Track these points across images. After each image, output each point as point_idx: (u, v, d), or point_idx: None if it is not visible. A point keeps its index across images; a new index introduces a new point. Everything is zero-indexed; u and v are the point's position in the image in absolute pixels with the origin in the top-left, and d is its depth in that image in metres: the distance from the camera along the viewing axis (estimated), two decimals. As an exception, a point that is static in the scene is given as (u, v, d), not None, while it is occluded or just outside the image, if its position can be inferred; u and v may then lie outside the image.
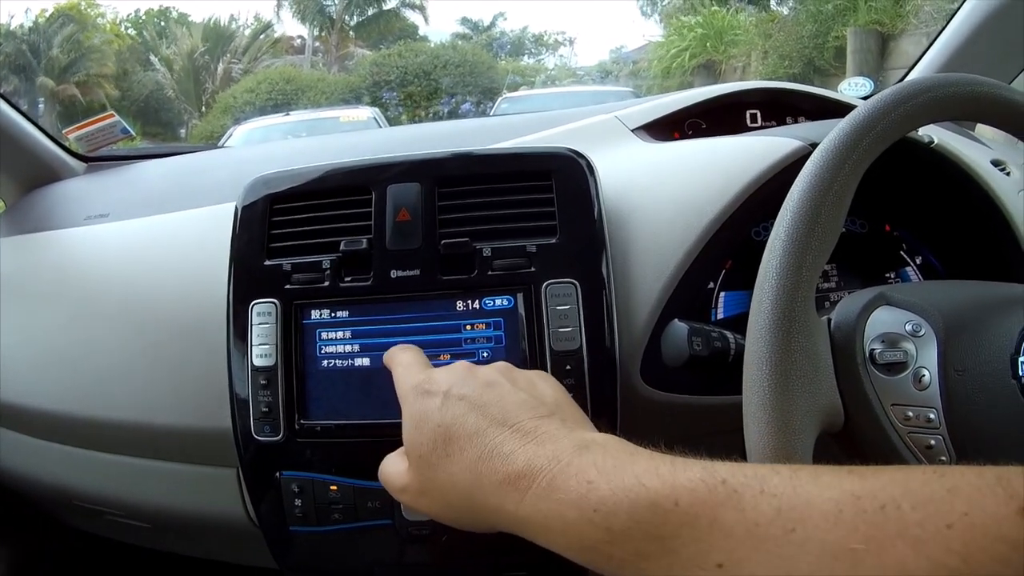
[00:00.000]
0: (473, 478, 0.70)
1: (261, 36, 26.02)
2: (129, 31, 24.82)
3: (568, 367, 0.95)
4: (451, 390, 0.77)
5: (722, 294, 1.08)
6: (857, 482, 0.51)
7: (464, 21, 29.13)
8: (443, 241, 1.00)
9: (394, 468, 0.81)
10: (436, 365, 0.95)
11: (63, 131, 1.65)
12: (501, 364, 0.83)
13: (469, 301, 0.98)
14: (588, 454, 0.65)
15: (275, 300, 1.00)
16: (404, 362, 0.86)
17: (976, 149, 1.28)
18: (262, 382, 0.98)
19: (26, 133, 1.52)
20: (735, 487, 0.55)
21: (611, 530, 0.59)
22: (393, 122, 15.42)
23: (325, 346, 0.99)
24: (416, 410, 0.78)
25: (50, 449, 1.22)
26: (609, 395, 0.96)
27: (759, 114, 1.41)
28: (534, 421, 0.72)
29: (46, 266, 1.29)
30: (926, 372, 0.74)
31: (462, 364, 0.82)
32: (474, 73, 19.67)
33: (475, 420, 0.73)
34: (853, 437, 0.74)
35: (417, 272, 0.99)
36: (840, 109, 1.35)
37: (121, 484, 1.20)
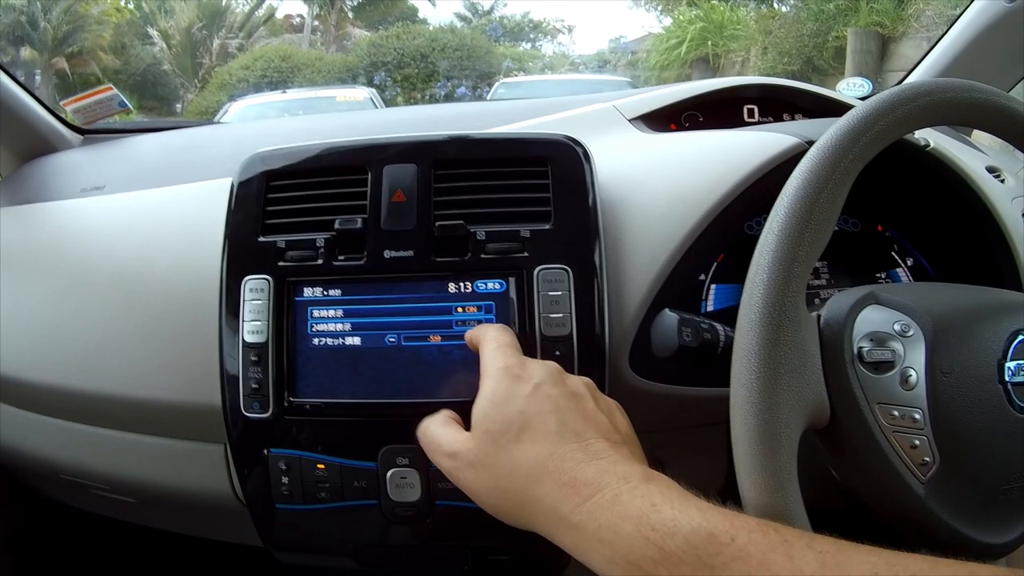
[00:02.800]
0: (537, 471, 0.72)
1: (259, 12, 25.92)
2: (129, 4, 24.70)
3: (557, 353, 0.95)
4: (541, 384, 0.79)
5: (713, 286, 1.09)
6: (892, 556, 0.57)
7: (466, 4, 29.06)
8: (437, 223, 1.00)
9: (447, 432, 0.84)
10: (426, 347, 0.96)
11: (60, 103, 1.64)
12: (588, 380, 0.85)
13: (461, 284, 0.99)
14: (655, 483, 0.68)
15: (268, 277, 1.00)
16: (498, 340, 0.87)
17: (972, 155, 1.29)
18: (253, 358, 0.98)
19: (23, 104, 1.51)
20: (787, 537, 0.60)
21: (663, 549, 0.62)
22: (389, 103, 15.40)
23: (316, 324, 0.99)
24: (502, 389, 0.80)
25: (37, 421, 1.22)
26: (597, 382, 0.95)
27: (756, 109, 1.41)
28: (608, 443, 0.75)
29: (40, 238, 1.29)
30: (913, 372, 0.75)
31: (553, 365, 0.84)
32: (472, 57, 19.59)
33: (556, 421, 0.76)
34: (838, 434, 0.74)
35: (411, 253, 0.99)
36: (838, 108, 1.35)
37: (108, 458, 1.19)
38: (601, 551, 0.66)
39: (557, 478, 0.71)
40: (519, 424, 0.76)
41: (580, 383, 0.83)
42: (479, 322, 0.97)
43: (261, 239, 1.02)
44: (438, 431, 0.85)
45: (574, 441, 0.74)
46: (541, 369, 0.82)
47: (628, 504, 0.66)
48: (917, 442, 0.73)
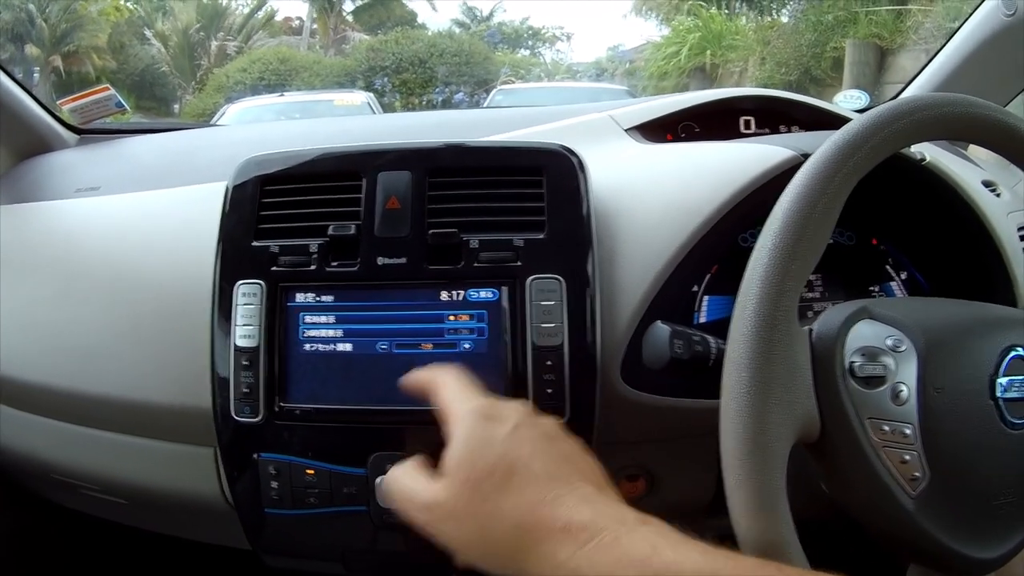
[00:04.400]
0: (528, 519, 0.69)
1: (258, 15, 25.94)
2: (128, 3, 24.68)
3: (549, 363, 0.95)
4: (519, 425, 0.75)
5: (706, 298, 1.09)
6: None
7: (464, 10, 29.07)
8: (431, 231, 1.00)
9: (420, 483, 0.77)
10: (418, 354, 0.95)
11: (57, 102, 1.64)
12: (556, 420, 0.82)
13: (454, 292, 0.99)
14: (652, 525, 0.66)
15: (261, 281, 1.00)
16: (456, 382, 0.82)
17: (968, 169, 1.29)
18: (244, 363, 0.98)
19: (20, 102, 1.51)
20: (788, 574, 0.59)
21: None
22: (387, 108, 15.38)
23: (308, 330, 0.99)
24: (477, 434, 0.74)
25: (28, 420, 1.22)
26: (588, 392, 0.96)
27: (753, 121, 1.41)
28: (594, 487, 0.71)
29: (34, 237, 1.29)
30: (904, 388, 0.75)
31: (523, 405, 0.80)
32: (470, 63, 19.61)
33: (541, 464, 0.72)
34: (828, 448, 0.74)
35: (404, 260, 0.99)
36: (834, 121, 1.35)
37: (99, 459, 1.19)
38: None
39: (550, 524, 0.68)
40: (503, 470, 0.71)
41: (551, 424, 0.78)
42: (471, 331, 0.97)
43: (255, 243, 1.02)
44: (408, 483, 0.78)
45: (562, 485, 0.70)
46: (513, 410, 0.77)
47: (629, 547, 0.64)
48: (907, 457, 0.73)
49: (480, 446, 0.73)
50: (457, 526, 0.73)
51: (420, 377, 0.86)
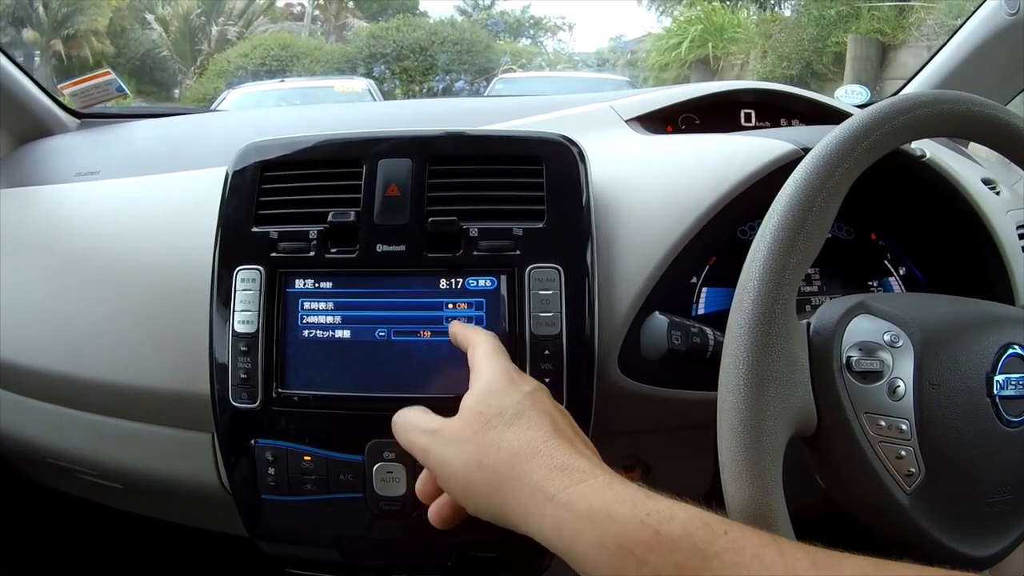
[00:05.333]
0: (527, 451, 0.72)
1: (259, 0, 25.84)
2: (131, -13, 24.57)
3: (547, 352, 0.95)
4: (537, 391, 0.80)
5: (704, 290, 1.09)
6: (882, 562, 0.59)
7: (467, -3, 28.99)
8: (430, 219, 1.00)
9: (428, 415, 0.85)
10: (416, 342, 0.96)
11: (58, 86, 1.64)
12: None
13: (453, 280, 0.99)
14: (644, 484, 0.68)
15: (260, 267, 1.00)
16: (492, 344, 0.88)
17: (968, 166, 1.29)
18: (242, 348, 0.98)
19: (20, 86, 1.51)
20: (776, 537, 0.60)
21: (660, 533, 0.61)
22: (388, 95, 15.33)
23: (307, 316, 0.99)
24: (500, 382, 0.80)
25: (24, 404, 1.22)
26: (586, 382, 0.96)
27: (753, 114, 1.41)
28: (596, 457, 0.74)
29: (34, 221, 1.29)
30: (901, 383, 0.75)
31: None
32: (471, 52, 19.53)
33: (550, 422, 0.76)
34: (824, 442, 0.74)
35: (403, 248, 0.99)
36: (835, 115, 1.35)
37: (95, 443, 1.19)
38: (590, 533, 0.64)
39: (548, 461, 0.71)
40: (513, 412, 0.76)
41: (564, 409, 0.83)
42: (469, 319, 0.97)
43: (254, 229, 1.02)
44: (415, 415, 0.85)
45: (567, 441, 0.74)
46: (535, 381, 0.83)
47: (622, 490, 0.66)
48: (903, 453, 0.73)
49: (500, 391, 0.79)
50: (455, 451, 0.77)
51: (457, 330, 0.93)
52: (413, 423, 0.84)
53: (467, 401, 0.80)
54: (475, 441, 0.75)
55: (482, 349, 0.86)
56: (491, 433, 0.75)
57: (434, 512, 0.85)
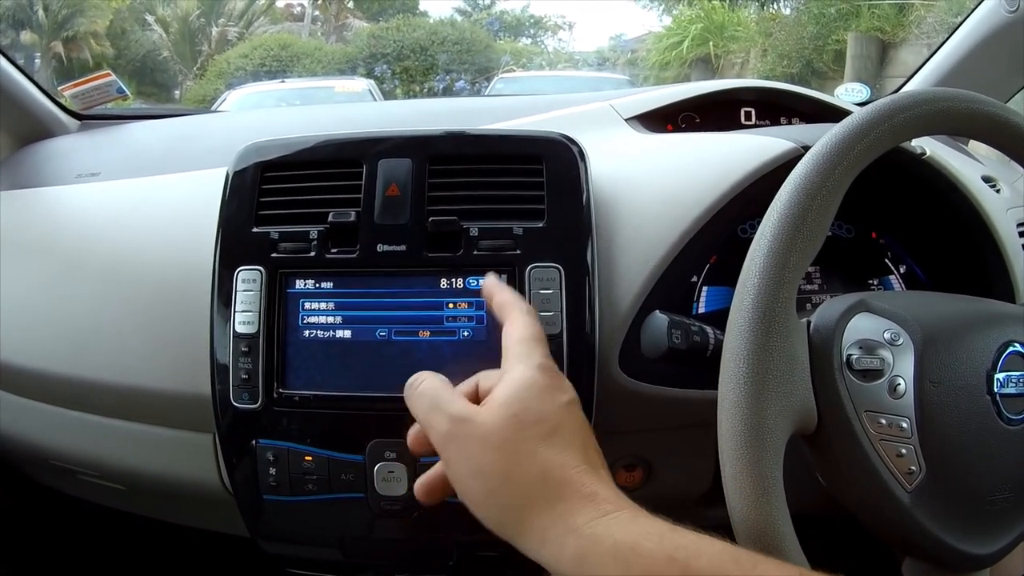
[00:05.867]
0: (558, 472, 0.68)
1: (259, 1, 25.83)
2: (133, -12, 24.54)
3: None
4: (574, 403, 0.75)
5: (705, 288, 1.09)
6: None
7: (466, -3, 28.96)
8: (431, 218, 1.00)
9: (458, 397, 0.76)
10: (417, 342, 0.96)
11: (58, 87, 1.64)
12: None
13: (453, 279, 0.99)
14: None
15: (261, 268, 1.00)
16: (532, 330, 0.79)
17: (968, 164, 1.29)
18: (243, 349, 0.98)
19: (21, 88, 1.51)
20: (806, 572, 0.60)
21: (688, 568, 0.59)
22: (388, 95, 15.33)
23: (308, 316, 0.99)
24: (539, 384, 0.73)
25: (26, 406, 1.22)
26: (587, 382, 0.96)
27: (753, 112, 1.41)
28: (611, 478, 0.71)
29: (34, 223, 1.29)
30: (901, 381, 0.75)
31: None
32: (471, 51, 19.52)
33: (581, 441, 0.72)
34: (825, 440, 0.74)
35: (403, 247, 1.00)
36: (835, 114, 1.35)
37: (96, 445, 1.19)
38: (614, 569, 0.61)
39: (578, 489, 0.67)
40: (552, 424, 0.70)
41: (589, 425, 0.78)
42: (470, 318, 0.98)
43: (255, 230, 1.02)
44: (445, 393, 0.76)
45: (594, 469, 0.70)
46: (571, 388, 0.76)
47: (647, 525, 0.64)
48: (904, 451, 0.73)
49: (539, 396, 0.72)
50: (482, 451, 0.71)
51: (496, 292, 0.86)
52: (439, 401, 0.75)
53: (500, 395, 0.73)
54: (507, 448, 0.70)
55: (521, 333, 0.79)
56: (526, 443, 0.69)
57: (423, 486, 0.82)
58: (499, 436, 0.70)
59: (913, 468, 0.73)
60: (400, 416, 0.87)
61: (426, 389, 0.77)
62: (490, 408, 0.72)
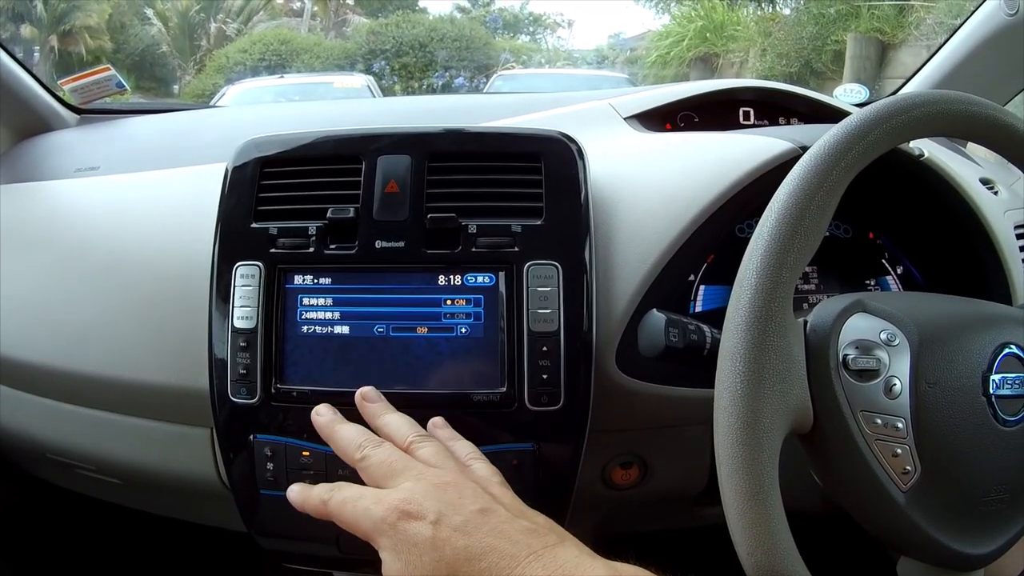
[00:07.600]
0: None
1: (259, -4, 25.81)
2: (132, -18, 24.51)
3: (544, 349, 0.95)
4: (441, 520, 0.71)
5: (702, 287, 1.09)
6: None
7: (466, -8, 28.92)
8: (429, 215, 1.00)
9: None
10: (414, 338, 0.96)
11: (58, 82, 1.64)
12: (483, 468, 0.82)
13: (451, 276, 0.99)
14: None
15: (259, 263, 1.00)
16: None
17: (966, 166, 1.29)
18: (241, 344, 0.98)
19: (20, 81, 1.51)
20: None
21: None
22: (387, 91, 15.33)
23: (306, 312, 0.99)
24: (402, 543, 0.71)
25: (24, 400, 1.22)
26: (583, 379, 0.96)
27: (752, 112, 1.42)
28: (551, 551, 0.69)
29: (33, 217, 1.29)
30: (897, 382, 0.75)
31: (433, 473, 0.77)
32: (470, 48, 19.50)
33: (486, 557, 0.69)
34: (820, 440, 0.75)
35: (402, 244, 1.00)
36: (833, 114, 1.35)
37: (94, 438, 1.19)
38: None
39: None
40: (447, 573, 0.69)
41: (476, 489, 0.76)
42: (467, 315, 0.98)
43: (254, 225, 1.02)
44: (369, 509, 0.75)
45: (518, 565, 0.67)
46: (433, 500, 0.73)
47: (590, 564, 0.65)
48: (899, 451, 0.74)
49: (411, 557, 0.70)
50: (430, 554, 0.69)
51: (321, 422, 0.90)
52: (364, 526, 0.75)
53: None
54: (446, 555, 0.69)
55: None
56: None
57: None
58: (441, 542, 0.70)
59: (908, 468, 0.74)
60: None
61: (351, 504, 0.77)
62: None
